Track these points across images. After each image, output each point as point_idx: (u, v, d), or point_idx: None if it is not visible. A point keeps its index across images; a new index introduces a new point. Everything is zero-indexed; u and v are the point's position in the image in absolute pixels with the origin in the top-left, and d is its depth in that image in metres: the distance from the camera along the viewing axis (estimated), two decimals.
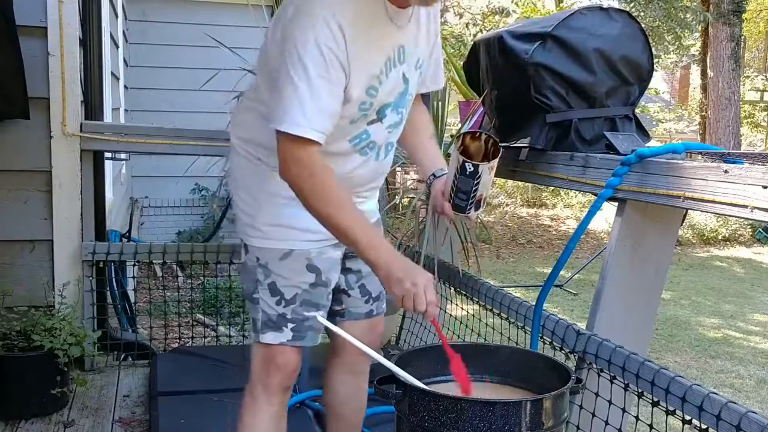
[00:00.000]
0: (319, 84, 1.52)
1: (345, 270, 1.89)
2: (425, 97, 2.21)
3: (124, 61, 6.50)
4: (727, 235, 11.44)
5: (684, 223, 4.66)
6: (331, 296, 1.84)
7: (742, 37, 14.71)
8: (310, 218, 1.61)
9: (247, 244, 1.76)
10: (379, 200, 3.45)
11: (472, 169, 1.77)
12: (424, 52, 1.80)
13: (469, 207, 1.85)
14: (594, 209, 2.18)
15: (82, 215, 3.13)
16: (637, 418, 1.98)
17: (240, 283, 1.80)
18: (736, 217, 1.82)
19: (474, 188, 1.80)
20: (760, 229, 11.55)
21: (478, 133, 1.89)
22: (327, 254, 1.77)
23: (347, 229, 1.56)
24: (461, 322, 3.24)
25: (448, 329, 3.39)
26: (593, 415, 2.04)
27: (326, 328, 1.77)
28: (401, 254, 1.60)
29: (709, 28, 13.28)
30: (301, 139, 1.52)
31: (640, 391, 1.87)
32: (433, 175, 1.95)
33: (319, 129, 1.54)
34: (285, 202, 1.68)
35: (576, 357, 2.14)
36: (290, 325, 1.75)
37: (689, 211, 2.28)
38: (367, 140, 1.73)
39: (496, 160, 1.82)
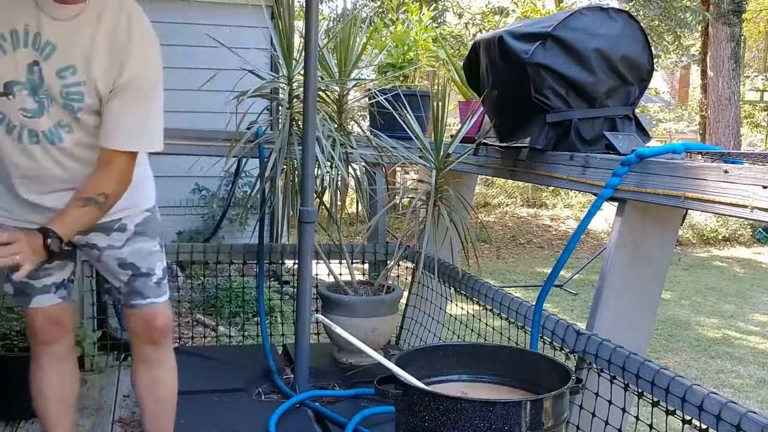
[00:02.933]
0: None
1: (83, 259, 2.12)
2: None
3: None
4: (727, 235, 11.44)
5: (684, 223, 4.66)
6: (43, 267, 1.94)
7: (742, 37, 14.71)
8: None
9: None
10: (378, 200, 3.47)
11: None
12: (93, 75, 1.78)
13: None
14: (594, 209, 2.18)
15: None
16: (637, 418, 1.98)
17: None
18: (736, 217, 1.82)
19: None
20: (760, 229, 11.55)
21: None
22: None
23: None
24: (461, 322, 3.24)
25: (448, 329, 3.39)
26: (593, 415, 2.04)
27: (325, 327, 1.77)
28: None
29: (709, 28, 13.28)
30: None
31: (640, 391, 1.87)
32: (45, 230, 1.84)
33: None
34: None
35: (576, 357, 2.14)
36: (11, 289, 1.99)
37: (689, 211, 2.27)
38: (5, 121, 1.80)
39: None
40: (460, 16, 14.96)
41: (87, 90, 1.79)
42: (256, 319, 4.71)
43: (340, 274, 3.20)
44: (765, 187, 1.63)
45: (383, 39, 3.77)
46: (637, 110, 2.56)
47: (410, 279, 3.49)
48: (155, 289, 2.06)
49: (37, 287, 1.98)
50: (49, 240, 1.73)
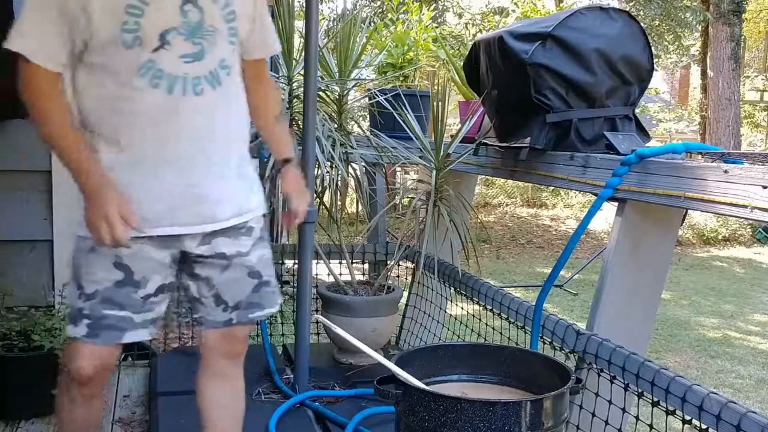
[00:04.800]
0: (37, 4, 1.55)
1: (194, 276, 1.79)
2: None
3: None
4: (727, 235, 11.44)
5: (684, 223, 4.66)
6: (149, 300, 1.72)
7: (742, 37, 14.71)
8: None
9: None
10: (378, 200, 3.47)
11: None
12: (240, 2, 1.70)
13: None
14: (594, 209, 2.18)
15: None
16: (637, 418, 1.98)
17: None
18: (736, 217, 1.82)
19: None
20: (760, 229, 11.56)
21: None
22: (144, 254, 1.66)
23: (61, 153, 1.63)
24: (461, 322, 3.24)
25: (448, 329, 3.39)
26: (593, 415, 2.04)
27: (325, 326, 1.77)
28: (105, 182, 1.58)
29: (709, 28, 13.29)
30: (24, 60, 1.55)
31: (640, 391, 1.87)
32: (284, 161, 1.91)
33: (40, 51, 1.56)
34: None
35: (576, 357, 2.14)
36: (85, 321, 1.65)
37: (689, 211, 2.27)
38: (152, 70, 1.58)
39: None
40: (460, 16, 14.95)
41: (239, 21, 1.69)
42: None
43: (340, 274, 3.20)
44: (765, 187, 1.63)
45: (383, 39, 3.77)
46: (637, 110, 2.56)
47: (410, 279, 3.49)
48: (272, 297, 1.87)
49: (136, 321, 1.71)
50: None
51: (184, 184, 1.64)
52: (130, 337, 1.71)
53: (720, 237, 11.39)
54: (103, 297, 1.65)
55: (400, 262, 3.39)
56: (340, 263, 3.28)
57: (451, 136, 2.96)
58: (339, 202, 3.17)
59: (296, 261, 2.82)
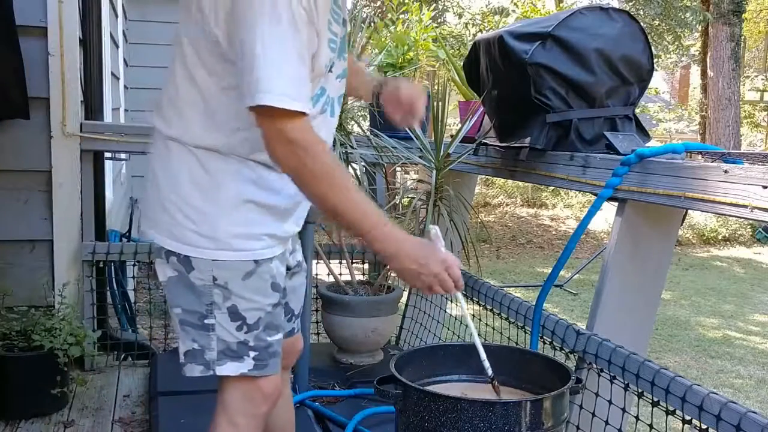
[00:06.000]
0: (296, 43, 1.32)
1: None
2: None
3: (124, 61, 6.49)
4: (727, 235, 11.44)
5: (684, 223, 4.66)
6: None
7: (742, 37, 14.71)
8: (274, 223, 1.51)
9: (193, 257, 1.47)
10: (378, 200, 3.47)
11: None
12: None
13: None
14: (594, 209, 2.18)
15: (82, 215, 3.13)
16: (637, 418, 1.98)
17: (173, 305, 1.52)
18: (736, 217, 1.82)
19: None
20: (760, 229, 11.55)
21: None
22: (281, 269, 1.59)
23: (346, 212, 1.38)
24: (461, 322, 3.24)
25: (448, 329, 3.39)
26: (593, 415, 2.04)
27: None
28: (408, 236, 1.45)
29: (709, 28, 13.29)
30: (291, 113, 1.31)
31: (640, 391, 1.87)
32: (380, 84, 1.76)
33: (305, 98, 1.34)
34: (250, 206, 1.48)
35: (576, 357, 2.14)
36: (252, 353, 1.52)
37: (689, 211, 2.27)
38: (323, 96, 1.52)
39: None
40: (460, 16, 14.94)
41: None
42: None
43: (340, 274, 3.20)
44: (765, 187, 1.63)
45: (383, 39, 3.77)
46: (637, 110, 2.56)
47: None
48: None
49: (281, 339, 1.61)
50: None
51: None
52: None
53: (720, 237, 11.38)
54: (266, 323, 1.53)
55: None
56: (340, 263, 3.28)
57: (451, 136, 2.96)
58: None
59: None
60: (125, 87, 6.49)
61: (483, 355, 1.66)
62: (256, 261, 1.49)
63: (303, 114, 1.33)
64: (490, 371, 1.66)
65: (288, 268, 1.66)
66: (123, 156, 4.48)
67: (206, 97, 1.44)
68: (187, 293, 1.49)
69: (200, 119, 1.45)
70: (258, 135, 1.36)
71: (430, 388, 1.66)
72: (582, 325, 2.18)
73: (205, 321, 1.50)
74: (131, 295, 4.19)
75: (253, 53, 1.29)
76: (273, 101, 1.29)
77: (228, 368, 1.53)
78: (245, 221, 1.47)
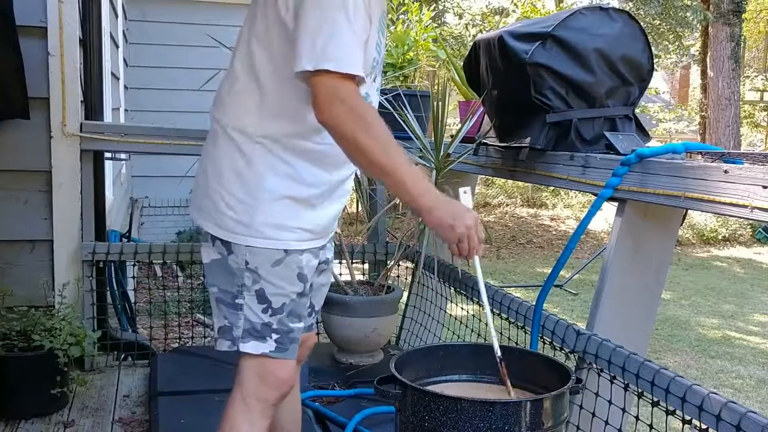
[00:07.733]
0: (356, 21, 1.45)
1: None
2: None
3: (124, 61, 6.49)
4: (727, 235, 11.44)
5: (684, 223, 4.66)
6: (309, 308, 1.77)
7: (742, 37, 14.71)
8: (308, 218, 1.62)
9: (232, 242, 1.60)
10: (378, 200, 3.47)
11: None
12: None
13: None
14: (594, 209, 2.18)
15: (82, 215, 3.13)
16: (637, 418, 1.98)
17: (211, 284, 1.67)
18: (736, 217, 1.82)
19: None
20: (760, 229, 11.56)
21: None
22: (312, 262, 1.69)
23: (395, 172, 1.47)
24: (461, 322, 3.24)
25: (448, 329, 3.39)
26: (593, 415, 2.04)
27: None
28: (444, 196, 1.54)
29: (709, 28, 13.30)
30: (347, 76, 1.43)
31: (640, 391, 1.87)
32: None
33: (360, 66, 1.46)
34: (287, 201, 1.59)
35: (576, 357, 2.14)
36: (275, 336, 1.63)
37: (689, 211, 2.27)
38: (367, 101, 1.60)
39: None
40: (461, 16, 14.96)
41: None
42: None
43: (340, 274, 3.20)
44: (765, 187, 1.63)
45: None
46: (637, 110, 2.56)
47: (410, 279, 3.49)
48: None
49: (303, 328, 1.73)
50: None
51: (346, 194, 1.74)
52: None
53: (720, 237, 11.39)
54: (290, 310, 1.64)
55: (400, 262, 3.39)
56: (340, 263, 3.28)
57: (451, 136, 2.96)
58: None
59: None
60: (125, 87, 6.49)
61: (492, 329, 1.68)
62: (285, 250, 1.61)
63: (359, 79, 1.45)
64: (499, 352, 1.69)
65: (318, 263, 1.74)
66: (123, 156, 4.49)
67: (262, 83, 1.56)
68: (225, 274, 1.63)
69: (254, 106, 1.58)
70: (302, 124, 1.53)
71: (430, 388, 1.66)
72: (582, 325, 2.18)
73: (236, 301, 1.63)
74: (131, 295, 4.19)
75: (315, 23, 1.42)
76: (332, 66, 1.41)
77: (250, 346, 1.63)
78: (280, 214, 1.60)
